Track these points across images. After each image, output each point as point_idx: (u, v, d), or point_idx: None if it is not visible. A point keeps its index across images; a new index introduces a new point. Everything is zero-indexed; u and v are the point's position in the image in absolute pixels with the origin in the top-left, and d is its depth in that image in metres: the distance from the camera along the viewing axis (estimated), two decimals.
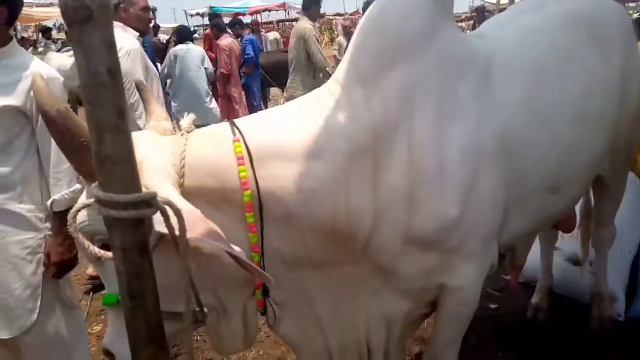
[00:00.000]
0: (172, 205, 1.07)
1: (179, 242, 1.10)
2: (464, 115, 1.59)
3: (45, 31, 16.20)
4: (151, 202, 1.02)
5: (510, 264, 2.47)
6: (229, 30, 8.83)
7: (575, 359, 2.77)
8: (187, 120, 1.50)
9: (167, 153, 1.39)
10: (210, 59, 8.04)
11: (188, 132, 1.48)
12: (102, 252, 1.12)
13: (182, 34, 7.63)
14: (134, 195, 0.99)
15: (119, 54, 3.62)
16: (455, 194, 1.57)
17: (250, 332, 1.66)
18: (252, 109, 8.52)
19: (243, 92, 8.58)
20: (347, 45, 7.70)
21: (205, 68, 7.04)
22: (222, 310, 1.58)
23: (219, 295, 1.55)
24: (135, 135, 1.33)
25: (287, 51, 10.40)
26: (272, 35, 16.93)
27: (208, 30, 9.32)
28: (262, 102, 8.55)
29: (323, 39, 22.14)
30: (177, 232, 1.10)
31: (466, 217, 1.60)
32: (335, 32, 22.54)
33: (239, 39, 8.61)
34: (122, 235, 1.01)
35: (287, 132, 1.51)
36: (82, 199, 1.36)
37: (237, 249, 1.19)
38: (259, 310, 1.63)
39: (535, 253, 3.02)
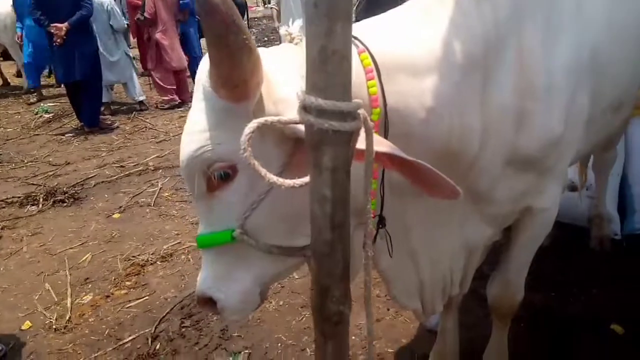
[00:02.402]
0: (366, 119, 0.91)
1: (367, 160, 0.95)
2: (568, 30, 1.51)
3: None
4: (355, 114, 0.86)
5: None
6: None
7: (583, 277, 2.93)
8: (296, 26, 1.30)
9: (294, 64, 1.18)
10: (136, 6, 7.57)
11: (301, 40, 1.28)
12: (280, 180, 0.93)
13: None
14: (355, 103, 0.83)
15: None
16: (561, 110, 1.51)
17: (355, 264, 1.54)
18: (192, 61, 8.02)
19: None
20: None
21: (110, 25, 7.07)
22: None
23: None
24: None
25: None
26: None
27: None
28: (202, 53, 8.02)
29: None
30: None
31: (565, 135, 1.56)
32: None
33: None
34: (335, 153, 0.85)
35: (408, 44, 1.35)
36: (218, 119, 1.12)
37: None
38: None
39: None
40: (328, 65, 0.78)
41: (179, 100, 7.73)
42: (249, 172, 1.13)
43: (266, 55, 1.16)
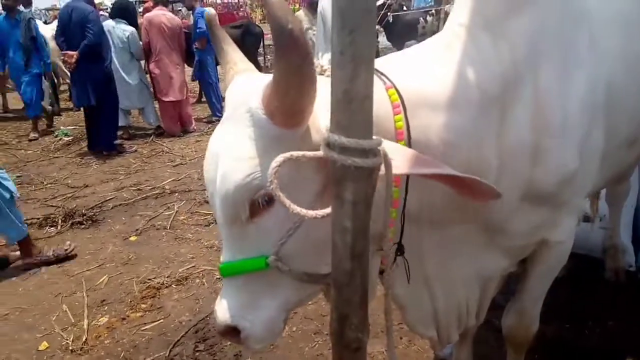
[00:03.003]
0: (386, 155, 0.97)
1: (387, 194, 1.00)
2: (583, 66, 1.56)
3: None
4: (376, 151, 0.91)
5: None
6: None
7: (599, 309, 2.92)
8: (326, 59, 1.35)
9: (325, 95, 1.23)
10: None
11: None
12: (304, 210, 0.98)
13: (114, 11, 7.49)
14: (375, 141, 0.88)
15: None
16: (576, 146, 1.55)
17: (371, 290, 1.55)
18: (208, 87, 8.20)
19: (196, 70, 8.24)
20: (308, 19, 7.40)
21: (130, 53, 7.27)
22: None
23: None
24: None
25: (238, 27, 10.14)
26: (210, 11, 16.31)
27: (148, 3, 8.77)
28: (218, 80, 8.19)
29: (256, 17, 21.63)
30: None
31: (580, 171, 1.59)
32: None
33: (191, 11, 8.18)
34: (357, 187, 0.90)
35: (430, 80, 1.41)
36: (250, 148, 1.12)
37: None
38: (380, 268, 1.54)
39: None
40: (352, 105, 0.84)
41: (179, 131, 7.73)
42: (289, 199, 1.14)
43: None
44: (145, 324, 3.09)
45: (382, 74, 1.35)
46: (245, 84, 1.20)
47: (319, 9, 5.98)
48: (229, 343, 2.81)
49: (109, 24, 7.19)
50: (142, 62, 7.93)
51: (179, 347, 2.84)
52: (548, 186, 1.56)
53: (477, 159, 1.45)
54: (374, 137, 0.91)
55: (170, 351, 2.80)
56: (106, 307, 3.30)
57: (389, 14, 10.80)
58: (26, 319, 3.21)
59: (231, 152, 1.15)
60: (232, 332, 1.28)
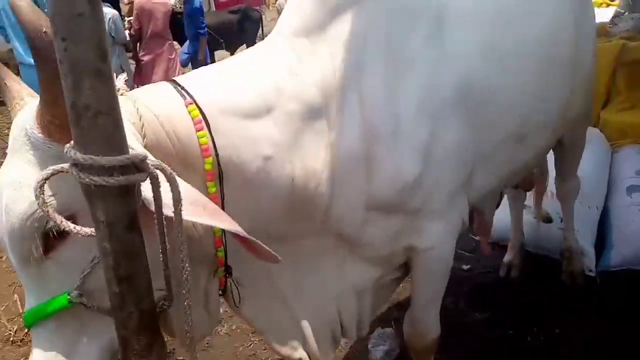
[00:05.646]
0: (164, 170, 0.89)
1: (175, 213, 0.93)
2: (417, 67, 1.47)
3: None
4: (141, 166, 0.84)
5: (479, 227, 2.29)
6: None
7: (549, 314, 2.80)
8: (121, 79, 1.25)
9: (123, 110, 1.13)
10: None
11: (126, 91, 1.24)
12: (76, 227, 0.91)
13: None
14: (122, 157, 0.81)
15: None
16: (413, 152, 1.47)
17: (213, 315, 1.45)
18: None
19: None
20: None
21: (112, 37, 6.78)
22: None
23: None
24: None
25: (234, 12, 10.00)
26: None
27: None
28: None
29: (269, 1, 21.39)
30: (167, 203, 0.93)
31: (427, 175, 1.50)
32: None
33: None
34: (107, 207, 0.83)
35: (239, 93, 1.33)
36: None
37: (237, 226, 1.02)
38: (220, 289, 1.45)
39: (504, 213, 3.01)
40: (82, 120, 0.76)
41: None
42: (90, 221, 1.00)
43: None
44: None
45: (182, 88, 1.29)
46: (24, 111, 1.08)
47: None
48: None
49: None
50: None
51: None
52: (387, 195, 1.49)
53: (303, 171, 1.39)
54: (134, 152, 0.84)
55: None
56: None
57: None
58: None
59: (12, 182, 1.02)
60: None
